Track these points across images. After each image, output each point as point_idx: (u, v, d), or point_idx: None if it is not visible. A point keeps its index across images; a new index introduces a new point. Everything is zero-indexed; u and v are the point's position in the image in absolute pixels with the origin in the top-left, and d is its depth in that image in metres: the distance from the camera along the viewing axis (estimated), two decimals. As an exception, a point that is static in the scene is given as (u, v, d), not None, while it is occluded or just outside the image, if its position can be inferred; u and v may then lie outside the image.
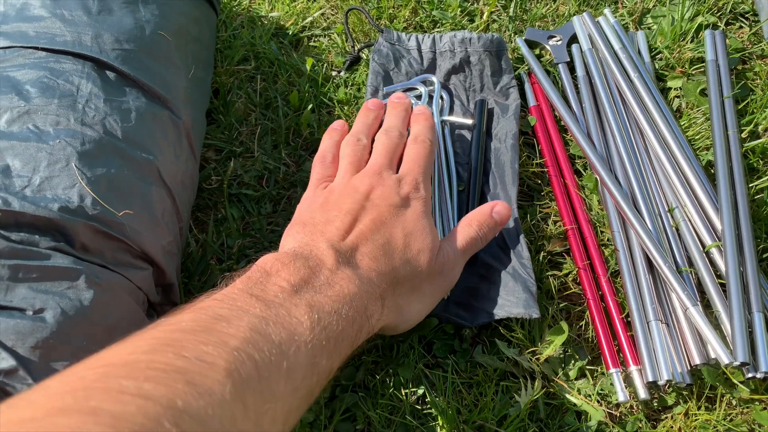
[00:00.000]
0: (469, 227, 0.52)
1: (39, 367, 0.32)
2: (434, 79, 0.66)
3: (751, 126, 0.61)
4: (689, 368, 0.49)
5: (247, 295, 0.36)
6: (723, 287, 0.51)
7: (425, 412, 0.50)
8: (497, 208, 0.53)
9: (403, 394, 0.50)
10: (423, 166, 0.53)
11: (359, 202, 0.48)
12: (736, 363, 0.46)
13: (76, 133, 0.42)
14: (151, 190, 0.44)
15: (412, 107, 0.59)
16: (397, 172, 0.52)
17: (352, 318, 0.40)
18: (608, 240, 0.57)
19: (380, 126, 0.57)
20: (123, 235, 0.41)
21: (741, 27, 0.71)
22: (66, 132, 0.42)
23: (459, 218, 0.58)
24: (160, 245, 0.44)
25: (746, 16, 0.72)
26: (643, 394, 0.49)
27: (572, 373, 0.52)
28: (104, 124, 0.44)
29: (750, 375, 0.47)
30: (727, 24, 0.71)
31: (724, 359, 0.47)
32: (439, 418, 0.49)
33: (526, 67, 0.68)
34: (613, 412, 0.50)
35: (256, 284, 0.38)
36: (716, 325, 0.50)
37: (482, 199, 0.59)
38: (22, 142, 0.40)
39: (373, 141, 0.56)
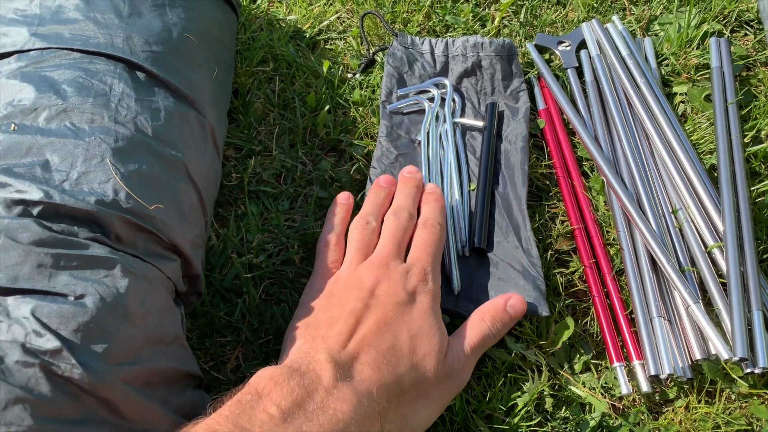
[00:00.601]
0: (482, 322, 0.50)
1: (80, 348, 0.34)
2: (447, 82, 0.68)
3: (754, 131, 0.63)
4: (690, 363, 0.51)
5: (232, 427, 0.35)
6: (724, 286, 0.53)
7: (436, 401, 0.52)
8: (511, 301, 0.51)
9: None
10: (432, 254, 0.51)
11: (364, 300, 0.46)
12: (735, 358, 0.48)
13: (110, 130, 0.44)
14: (179, 185, 0.47)
15: (423, 184, 0.58)
16: (406, 257, 0.52)
17: None
18: (614, 239, 0.59)
19: (391, 202, 0.56)
20: (154, 228, 0.43)
21: (746, 35, 0.73)
22: (100, 129, 0.44)
23: (469, 218, 0.60)
24: (187, 238, 0.46)
25: (751, 24, 0.74)
26: (645, 387, 0.51)
27: (577, 367, 0.54)
28: (136, 122, 0.46)
29: (749, 370, 0.49)
30: (732, 32, 0.73)
31: (724, 354, 0.49)
32: (452, 406, 0.51)
33: (536, 72, 0.70)
34: (616, 404, 0.52)
35: (244, 411, 0.36)
36: (717, 322, 0.53)
37: (492, 199, 0.61)
38: (60, 139, 0.43)
39: (383, 221, 0.55)
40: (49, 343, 0.34)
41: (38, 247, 0.37)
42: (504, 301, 0.51)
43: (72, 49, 0.48)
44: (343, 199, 0.57)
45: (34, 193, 0.39)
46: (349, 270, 0.50)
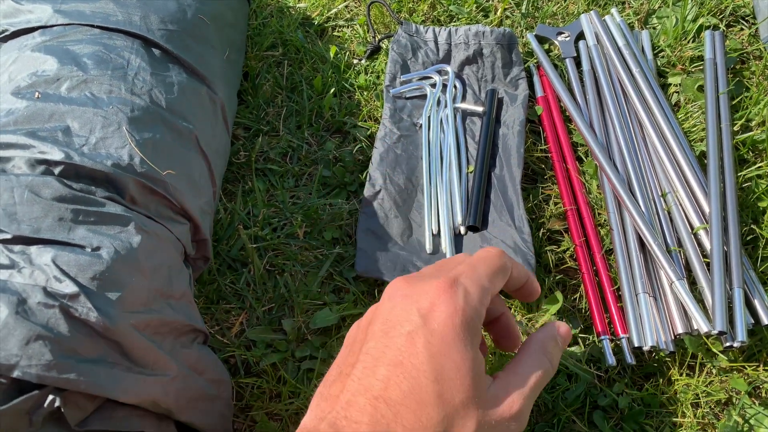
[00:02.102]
0: (543, 357, 0.41)
1: (96, 294, 0.37)
2: (449, 68, 0.71)
3: (743, 120, 0.65)
4: (673, 337, 0.54)
5: None
6: (708, 267, 0.56)
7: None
8: (562, 330, 0.44)
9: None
10: (479, 269, 0.41)
11: (384, 332, 0.38)
12: (715, 332, 0.51)
13: (127, 101, 0.47)
14: (190, 154, 0.50)
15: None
16: None
17: None
18: (604, 221, 0.61)
19: None
20: (166, 192, 0.46)
21: (742, 29, 0.75)
22: (118, 100, 0.47)
23: (467, 198, 0.62)
24: (196, 204, 0.49)
25: (747, 18, 0.76)
26: (629, 359, 0.54)
27: (565, 340, 0.56)
28: (150, 94, 0.49)
29: (728, 344, 0.52)
30: (728, 26, 0.76)
31: (704, 328, 0.51)
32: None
33: (536, 61, 0.73)
34: (602, 375, 0.55)
35: None
36: (700, 299, 0.55)
37: (488, 181, 0.64)
38: (80, 107, 0.46)
39: None
40: (68, 288, 0.37)
41: (59, 202, 0.40)
42: (556, 329, 0.44)
43: (92, 26, 0.51)
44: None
45: (55, 154, 0.42)
46: None
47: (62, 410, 0.35)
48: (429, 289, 0.38)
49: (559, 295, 0.56)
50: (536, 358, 0.41)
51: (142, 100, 0.48)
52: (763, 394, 0.53)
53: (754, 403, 0.53)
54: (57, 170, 0.42)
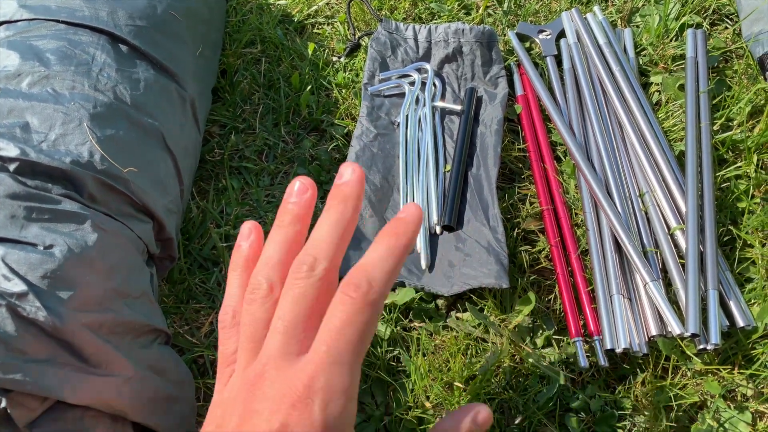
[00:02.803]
0: None
1: (46, 293, 0.37)
2: (428, 66, 0.70)
3: (723, 119, 0.64)
4: (647, 340, 0.53)
5: None
6: (684, 267, 0.55)
7: (399, 369, 0.54)
8: (481, 417, 0.35)
9: (380, 352, 0.54)
10: (342, 353, 0.32)
11: None
12: (687, 334, 0.50)
13: (90, 97, 0.47)
14: (155, 152, 0.49)
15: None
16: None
17: None
18: (581, 221, 0.61)
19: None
20: (127, 190, 0.45)
21: (726, 28, 0.74)
22: (80, 96, 0.46)
23: (443, 198, 0.62)
24: (161, 202, 0.48)
25: (731, 17, 0.75)
26: (602, 361, 0.53)
27: (539, 342, 0.55)
28: (115, 91, 0.48)
29: (701, 346, 0.51)
30: (712, 25, 0.75)
31: (676, 329, 0.50)
32: (412, 375, 0.53)
33: (516, 59, 0.72)
34: (575, 378, 0.54)
35: None
36: (674, 301, 0.54)
37: (465, 180, 0.63)
38: (41, 103, 0.45)
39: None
40: (17, 286, 0.36)
41: (12, 199, 0.39)
42: (471, 419, 0.35)
43: (58, 21, 0.50)
44: (246, 232, 0.39)
45: (11, 151, 0.41)
46: (236, 382, 0.34)
47: (8, 411, 0.34)
48: (278, 399, 0.31)
49: (532, 295, 0.55)
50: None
51: (106, 96, 0.48)
52: (738, 398, 0.53)
53: (729, 407, 0.52)
54: (12, 167, 0.41)
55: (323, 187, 0.64)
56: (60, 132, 0.44)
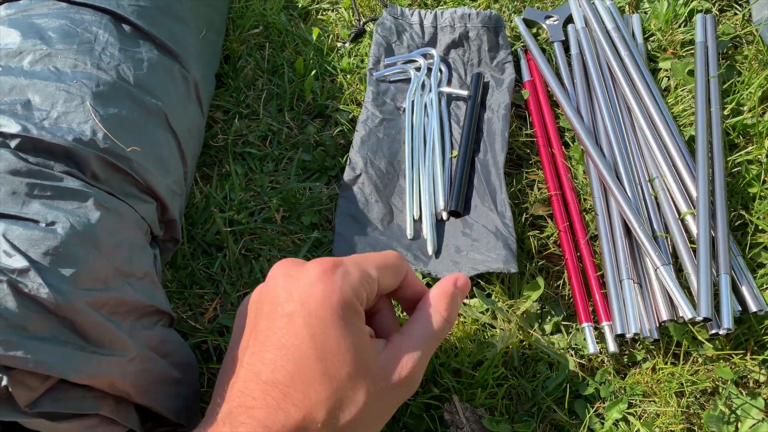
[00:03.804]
0: (437, 314, 0.42)
1: (48, 270, 0.36)
2: (434, 52, 0.69)
3: (733, 104, 0.63)
4: (657, 325, 0.52)
5: None
6: (695, 252, 0.54)
7: (406, 355, 0.53)
8: (460, 282, 0.45)
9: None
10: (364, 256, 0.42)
11: (268, 314, 0.40)
12: (699, 318, 0.49)
13: (92, 75, 0.46)
14: (158, 132, 0.48)
15: None
16: None
17: None
18: (590, 207, 0.60)
19: None
20: (130, 169, 0.44)
21: (735, 14, 0.73)
22: (83, 74, 0.46)
23: (449, 184, 0.61)
24: (164, 183, 0.47)
25: (740, 3, 0.74)
26: (612, 347, 0.52)
27: (548, 328, 0.55)
28: (118, 70, 0.48)
29: (713, 331, 0.50)
30: (721, 11, 0.74)
31: (688, 314, 0.49)
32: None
33: (523, 44, 0.71)
34: (584, 363, 0.53)
35: None
36: (686, 286, 0.53)
37: (472, 165, 0.62)
38: (42, 81, 0.44)
39: None
40: (18, 262, 0.35)
41: (13, 175, 0.38)
42: (452, 282, 0.44)
43: (60, -1, 0.49)
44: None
45: (12, 127, 0.40)
46: None
47: (9, 390, 0.34)
48: (310, 270, 0.39)
49: (540, 280, 0.54)
50: (429, 317, 0.42)
51: (109, 75, 0.47)
52: (751, 384, 0.52)
53: (741, 393, 0.51)
54: (13, 143, 0.40)
55: (327, 173, 0.63)
56: (62, 110, 0.43)
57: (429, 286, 0.56)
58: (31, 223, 0.37)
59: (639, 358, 0.53)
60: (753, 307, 0.51)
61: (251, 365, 0.37)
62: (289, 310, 0.38)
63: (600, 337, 0.53)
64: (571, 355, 0.53)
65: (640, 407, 0.51)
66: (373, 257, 0.42)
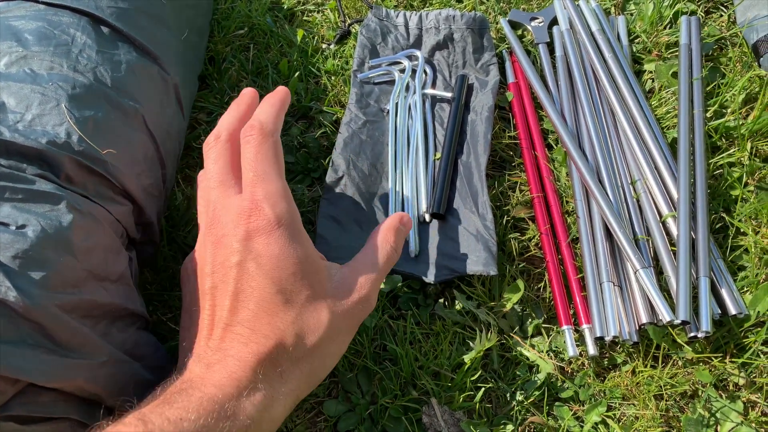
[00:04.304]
0: (386, 244, 0.47)
1: (17, 273, 0.35)
2: (419, 54, 0.69)
3: (716, 106, 0.63)
4: (637, 328, 0.52)
5: None
6: (675, 255, 0.54)
7: (386, 358, 0.53)
8: (405, 219, 0.50)
9: (366, 341, 0.53)
10: (263, 169, 0.43)
11: (206, 276, 0.42)
12: (677, 321, 0.49)
13: (68, 78, 0.46)
14: (134, 134, 0.48)
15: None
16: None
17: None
18: (572, 209, 0.60)
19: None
20: (105, 171, 0.44)
21: (721, 15, 0.73)
22: (59, 77, 0.45)
23: (432, 186, 0.61)
24: (140, 185, 0.47)
25: (725, 5, 0.74)
26: (592, 350, 0.52)
27: (529, 330, 0.54)
28: (95, 72, 0.47)
29: (692, 334, 0.50)
30: (707, 12, 0.74)
31: (666, 317, 0.49)
32: (399, 361, 0.52)
33: (508, 46, 0.71)
34: (564, 367, 0.53)
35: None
36: (666, 289, 0.53)
37: (455, 168, 0.62)
38: (17, 83, 0.44)
39: None
40: (-14, 266, 0.35)
41: (-17, 179, 0.38)
42: (398, 219, 0.49)
43: (37, 1, 0.49)
44: (246, 97, 0.50)
45: (-16, 130, 0.40)
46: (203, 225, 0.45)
47: (-23, 394, 0.33)
48: (236, 219, 0.41)
49: (520, 282, 0.54)
50: (380, 247, 0.46)
51: (86, 77, 0.47)
52: (730, 387, 0.52)
53: (721, 396, 0.51)
54: (-15, 146, 0.40)
55: (310, 175, 0.63)
56: (37, 112, 0.43)
57: (410, 288, 0.56)
58: (0, 226, 0.37)
59: (619, 361, 0.53)
60: (732, 310, 0.51)
61: (211, 317, 0.40)
62: (236, 260, 0.40)
63: (580, 340, 0.53)
64: (551, 358, 0.53)
65: (619, 410, 0.51)
66: (260, 167, 0.43)
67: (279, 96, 0.49)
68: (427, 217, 0.59)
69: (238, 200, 0.42)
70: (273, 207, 0.41)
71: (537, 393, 0.51)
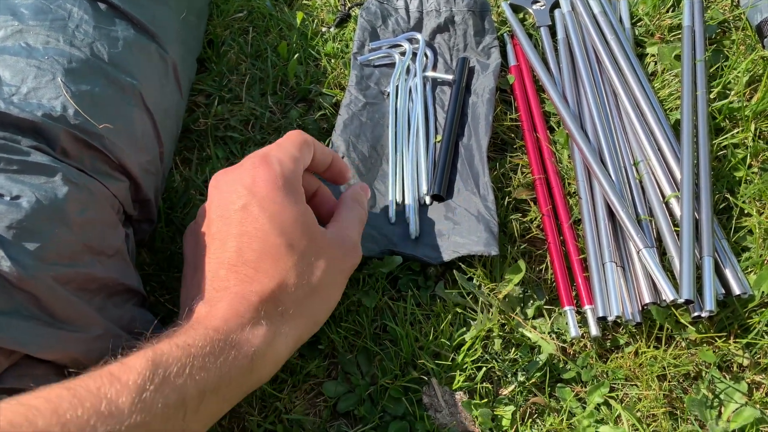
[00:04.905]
0: (358, 206, 0.50)
1: (11, 244, 0.35)
2: (419, 36, 0.69)
3: (720, 87, 0.62)
4: (640, 308, 0.51)
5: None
6: (679, 235, 0.53)
7: (386, 339, 0.52)
8: (365, 185, 0.54)
9: (366, 321, 0.52)
10: (286, 145, 0.47)
11: (221, 215, 0.44)
12: (681, 300, 0.48)
13: (64, 52, 0.45)
14: (132, 110, 0.48)
15: None
16: None
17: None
18: (574, 191, 0.59)
19: None
20: (102, 146, 0.44)
21: (724, -1, 0.73)
22: (55, 51, 0.45)
23: (433, 168, 0.60)
24: (137, 162, 0.47)
25: (729, -12, 0.73)
26: (594, 331, 0.51)
27: (530, 312, 0.54)
28: (92, 47, 0.47)
29: (696, 314, 0.49)
30: (710, -4, 0.73)
31: (670, 296, 0.49)
32: (399, 342, 0.51)
33: (509, 29, 0.71)
34: (566, 348, 0.52)
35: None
36: (669, 269, 0.53)
37: (456, 150, 0.61)
38: (13, 56, 0.43)
39: None
40: (-20, 235, 0.34)
41: (-23, 149, 0.38)
42: (358, 187, 0.53)
43: (33, -24, 0.49)
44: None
45: (-21, 101, 0.40)
46: None
47: (-30, 364, 0.33)
48: (246, 167, 0.44)
49: (521, 263, 0.54)
50: (352, 208, 0.50)
51: (82, 52, 0.46)
52: (734, 368, 0.51)
53: (725, 377, 0.50)
54: (-21, 117, 0.39)
55: (311, 157, 0.63)
56: (32, 85, 0.43)
57: (410, 270, 0.55)
58: (-5, 196, 0.36)
59: (621, 342, 0.52)
60: (737, 290, 0.51)
61: (216, 258, 0.41)
62: (242, 203, 0.42)
63: (582, 321, 0.53)
64: (553, 339, 0.52)
65: (621, 391, 0.50)
66: (283, 142, 0.46)
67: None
68: (428, 200, 0.59)
69: (250, 157, 0.45)
70: (281, 164, 0.44)
71: (539, 374, 0.51)
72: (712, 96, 0.63)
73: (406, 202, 0.59)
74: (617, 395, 0.50)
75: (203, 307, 0.39)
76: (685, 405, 0.49)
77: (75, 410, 0.29)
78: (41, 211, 0.37)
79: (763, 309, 0.51)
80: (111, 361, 0.33)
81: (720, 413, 0.49)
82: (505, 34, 0.70)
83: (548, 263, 0.56)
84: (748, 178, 0.58)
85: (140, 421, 0.31)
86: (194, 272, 0.43)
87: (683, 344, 0.52)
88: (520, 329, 0.53)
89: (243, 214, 0.42)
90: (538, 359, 0.51)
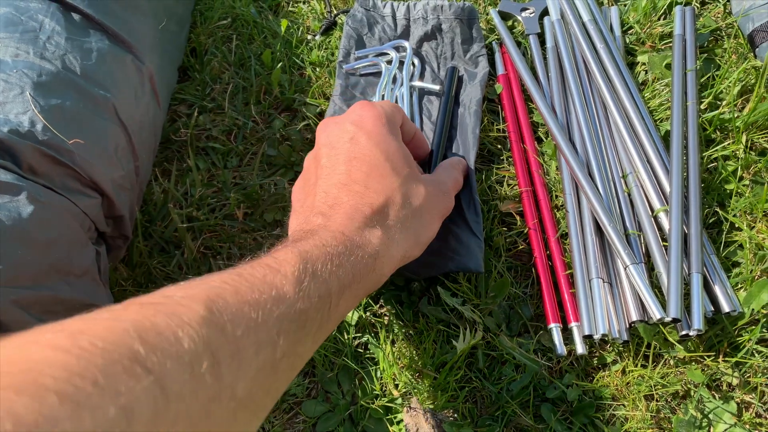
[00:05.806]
0: (455, 170, 0.54)
1: (-29, 267, 0.34)
2: (407, 44, 0.67)
3: (711, 98, 0.61)
4: (627, 326, 0.50)
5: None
6: (667, 251, 0.52)
7: (367, 357, 0.51)
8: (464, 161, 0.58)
9: (347, 339, 0.51)
10: (392, 107, 0.51)
11: (331, 145, 0.48)
12: (668, 318, 0.47)
13: (34, 65, 0.44)
14: (105, 124, 0.46)
15: None
16: None
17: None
18: (562, 204, 0.58)
19: None
20: (72, 163, 0.42)
21: (717, 6, 0.72)
22: (24, 64, 0.44)
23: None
24: (110, 177, 0.46)
25: (722, -5, 0.72)
26: (580, 349, 0.50)
27: (515, 328, 0.53)
28: (64, 59, 0.46)
29: (683, 332, 0.48)
30: (703, 3, 0.72)
31: (656, 314, 0.47)
32: (380, 362, 0.50)
33: (497, 37, 0.69)
34: (552, 366, 0.51)
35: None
36: (657, 286, 0.51)
37: (442, 161, 0.60)
38: (-20, 70, 0.42)
39: None
40: (-63, 259, 0.33)
41: (-62, 168, 0.36)
42: (461, 161, 0.56)
43: (5, -13, 0.47)
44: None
45: (-59, 117, 0.38)
46: None
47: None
48: (353, 109, 0.48)
49: (507, 278, 0.53)
50: (448, 168, 0.53)
51: (53, 65, 0.45)
52: (723, 387, 0.50)
53: (714, 396, 0.49)
54: (-59, 134, 0.38)
55: (293, 168, 0.62)
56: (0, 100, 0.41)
57: (394, 285, 0.54)
58: (-46, 217, 0.35)
59: (608, 360, 0.51)
60: (726, 308, 0.49)
61: (327, 179, 0.44)
62: (349, 136, 0.46)
63: (568, 339, 0.52)
64: (539, 357, 0.51)
65: (608, 411, 0.49)
66: (381, 101, 0.50)
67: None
68: (413, 212, 0.58)
69: (355, 105, 0.48)
70: (383, 108, 0.48)
71: (523, 393, 0.49)
72: (702, 106, 0.61)
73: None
74: (603, 415, 0.49)
75: (318, 219, 0.42)
76: (672, 425, 0.48)
77: (252, 293, 0.31)
78: (3, 232, 0.36)
79: (753, 327, 0.50)
80: (259, 255, 0.36)
81: (708, 434, 0.48)
82: (493, 42, 0.69)
83: (534, 278, 0.54)
84: (738, 191, 0.57)
85: (302, 308, 0.33)
86: (305, 195, 0.46)
87: (671, 362, 0.50)
88: (505, 346, 0.51)
89: (351, 144, 0.45)
90: (522, 378, 0.50)
